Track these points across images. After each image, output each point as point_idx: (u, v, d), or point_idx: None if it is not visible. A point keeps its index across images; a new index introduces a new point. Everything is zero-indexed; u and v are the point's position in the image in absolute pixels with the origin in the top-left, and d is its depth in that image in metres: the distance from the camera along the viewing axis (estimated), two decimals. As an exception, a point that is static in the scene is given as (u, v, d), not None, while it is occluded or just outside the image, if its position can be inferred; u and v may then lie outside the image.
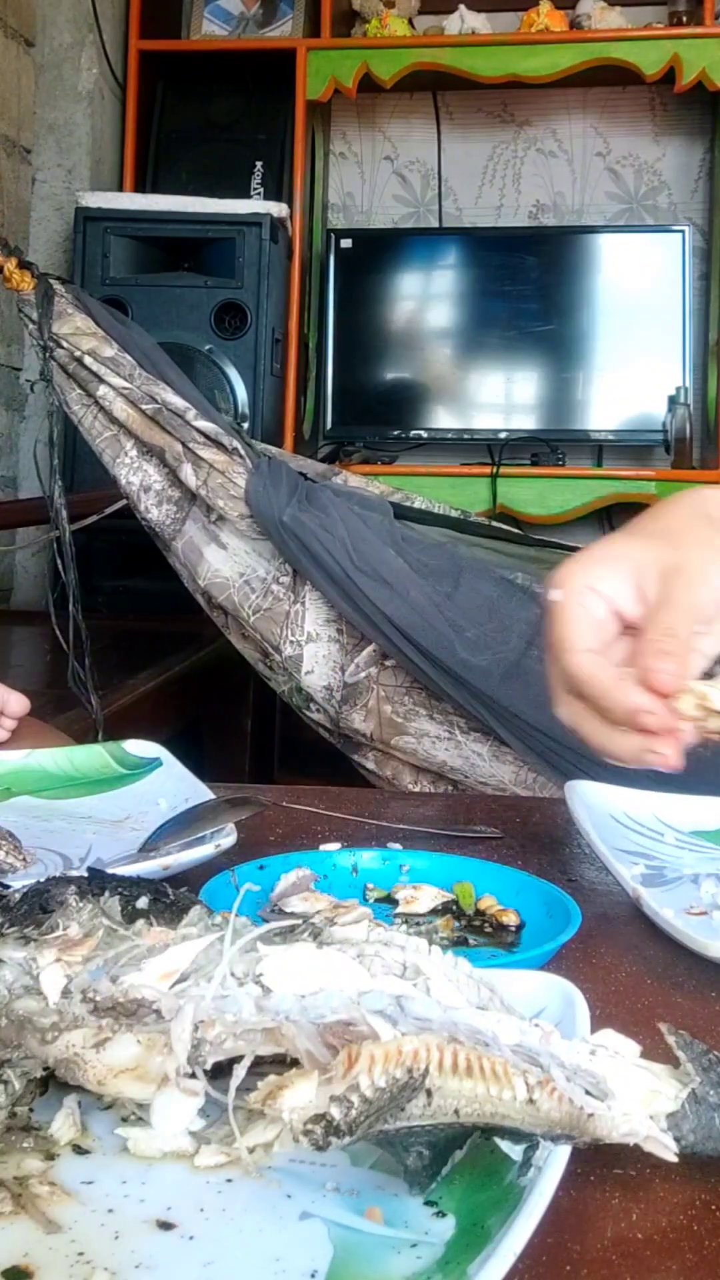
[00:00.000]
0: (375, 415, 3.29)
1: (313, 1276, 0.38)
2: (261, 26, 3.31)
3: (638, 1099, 0.42)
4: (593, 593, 0.67)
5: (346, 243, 3.28)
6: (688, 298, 3.17)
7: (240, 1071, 0.42)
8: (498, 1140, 0.43)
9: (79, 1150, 0.45)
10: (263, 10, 3.31)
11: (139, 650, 2.21)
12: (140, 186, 3.26)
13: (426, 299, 3.36)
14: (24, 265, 1.81)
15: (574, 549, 2.18)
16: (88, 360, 1.82)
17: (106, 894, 0.50)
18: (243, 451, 1.80)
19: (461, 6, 3.18)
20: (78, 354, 1.82)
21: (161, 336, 2.26)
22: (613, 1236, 0.42)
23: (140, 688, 1.91)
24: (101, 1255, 0.39)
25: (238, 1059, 0.42)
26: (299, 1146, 0.40)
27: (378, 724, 1.78)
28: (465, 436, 3.27)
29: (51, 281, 1.84)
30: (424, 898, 0.73)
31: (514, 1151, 0.43)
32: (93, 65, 3.21)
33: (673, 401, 3.06)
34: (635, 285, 3.22)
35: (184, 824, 0.78)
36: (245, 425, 2.76)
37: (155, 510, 1.86)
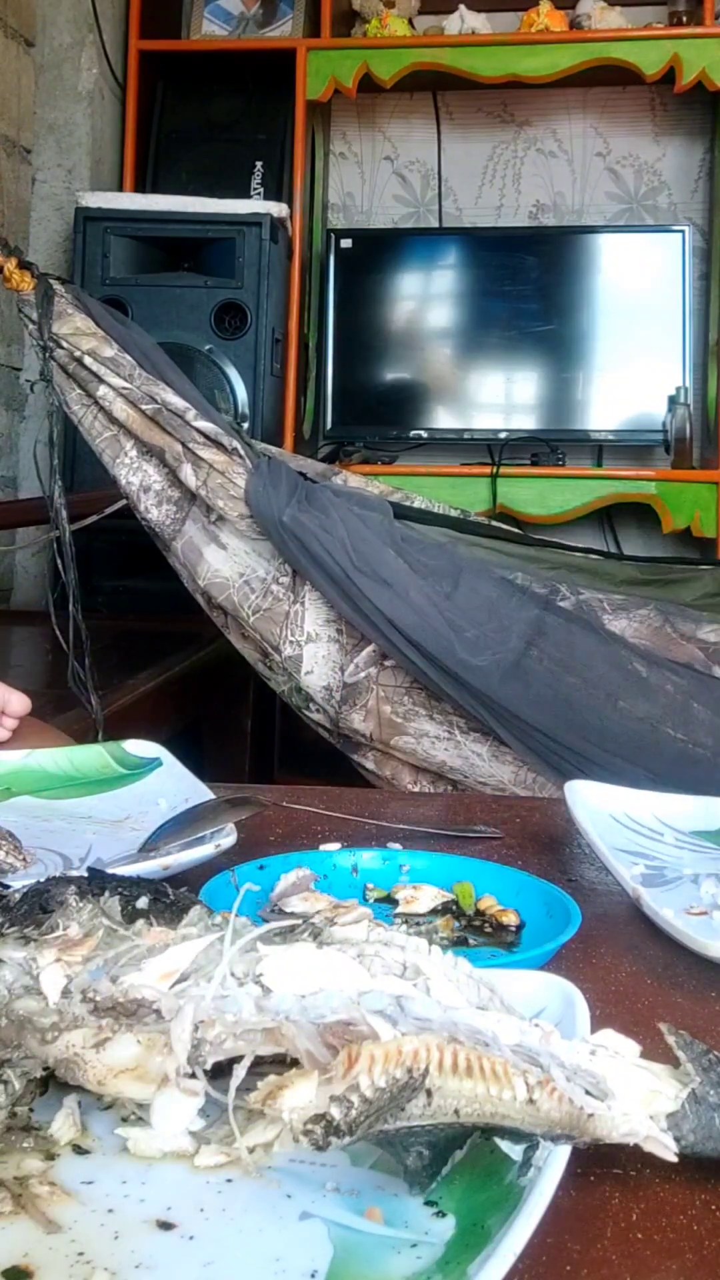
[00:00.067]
0: (375, 415, 3.29)
1: (313, 1276, 0.38)
2: (261, 26, 3.31)
3: (638, 1099, 0.42)
4: None
5: (346, 243, 3.28)
6: (688, 298, 3.17)
7: (240, 1071, 0.42)
8: (498, 1140, 0.43)
9: (79, 1150, 0.45)
10: (263, 10, 3.31)
11: (139, 650, 2.21)
12: (140, 186, 3.26)
13: (426, 299, 3.36)
14: (24, 265, 1.81)
15: (574, 549, 2.19)
16: (87, 360, 1.82)
17: (106, 894, 0.50)
18: (242, 452, 1.80)
19: (461, 6, 3.18)
20: (78, 354, 1.82)
21: (161, 336, 2.26)
22: (613, 1236, 0.42)
23: (140, 688, 1.91)
24: (101, 1255, 0.39)
25: (238, 1059, 0.42)
26: (299, 1146, 0.40)
27: (377, 724, 1.78)
28: (465, 436, 3.27)
29: (51, 281, 1.84)
30: (424, 898, 0.73)
31: (514, 1151, 0.43)
32: (93, 65, 3.21)
33: (673, 401, 3.06)
34: (635, 285, 3.22)
35: (184, 824, 0.78)
36: (245, 425, 2.76)
37: (155, 510, 1.86)
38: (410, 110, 3.48)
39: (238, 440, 1.82)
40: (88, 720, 1.67)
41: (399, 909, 0.72)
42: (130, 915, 0.49)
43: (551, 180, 3.46)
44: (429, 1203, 0.42)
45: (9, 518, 2.56)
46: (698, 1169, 0.45)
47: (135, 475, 1.86)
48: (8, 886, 0.52)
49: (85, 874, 0.52)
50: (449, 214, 3.49)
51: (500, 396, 3.32)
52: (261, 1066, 0.42)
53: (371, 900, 0.74)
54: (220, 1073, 0.42)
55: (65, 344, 1.82)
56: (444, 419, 3.31)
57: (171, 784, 0.92)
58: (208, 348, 2.85)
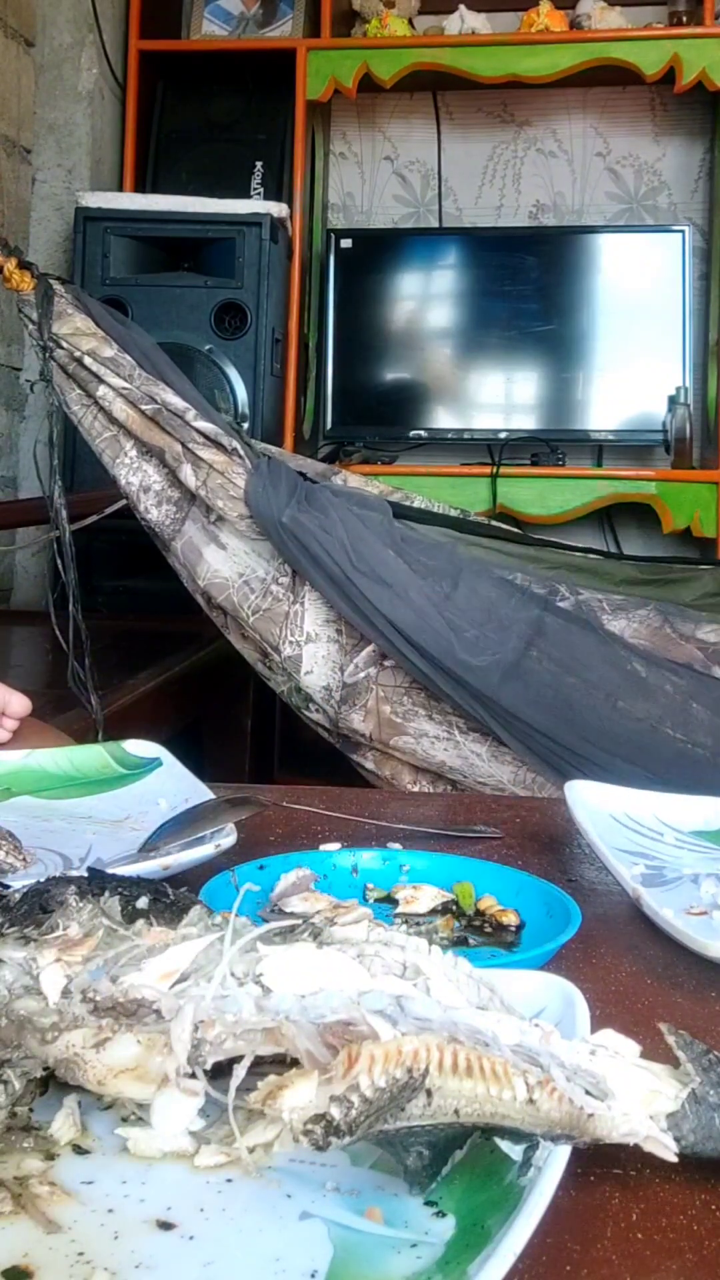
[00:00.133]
0: (375, 415, 3.29)
1: (313, 1276, 0.38)
2: (261, 26, 3.31)
3: (638, 1099, 0.42)
4: None
5: (346, 243, 3.28)
6: (688, 298, 3.17)
7: (240, 1071, 0.41)
8: (498, 1140, 0.43)
9: (79, 1150, 0.45)
10: (263, 10, 3.31)
11: (139, 650, 2.21)
12: (140, 186, 3.26)
13: (426, 299, 3.36)
14: (24, 265, 1.81)
15: (574, 549, 2.19)
16: (87, 360, 1.82)
17: (106, 894, 0.50)
18: (242, 452, 1.80)
19: (461, 6, 3.18)
20: (77, 354, 1.82)
21: (161, 336, 2.26)
22: (613, 1236, 0.42)
23: (140, 688, 1.91)
24: (101, 1255, 0.39)
25: (238, 1059, 0.42)
26: (299, 1146, 0.40)
27: (377, 724, 1.78)
28: (465, 436, 3.27)
29: (51, 282, 1.84)
30: (424, 898, 0.73)
31: (514, 1151, 0.43)
32: (93, 65, 3.21)
33: (673, 401, 3.06)
34: (635, 285, 3.22)
35: (184, 824, 0.78)
36: (245, 425, 2.76)
37: (155, 510, 1.86)
38: (410, 110, 3.48)
39: (237, 440, 1.82)
40: (88, 720, 1.67)
41: (399, 909, 0.72)
42: (130, 915, 0.49)
43: (551, 180, 3.46)
44: (429, 1203, 0.42)
45: (9, 518, 2.56)
46: (698, 1169, 0.45)
47: (135, 475, 1.86)
48: (8, 886, 0.52)
49: (85, 874, 0.52)
50: (449, 214, 3.49)
51: (500, 396, 3.32)
52: (261, 1066, 0.42)
53: (371, 900, 0.74)
54: (220, 1073, 0.42)
55: (65, 344, 1.82)
56: (444, 419, 3.31)
57: (171, 784, 0.92)
58: (208, 348, 2.85)
